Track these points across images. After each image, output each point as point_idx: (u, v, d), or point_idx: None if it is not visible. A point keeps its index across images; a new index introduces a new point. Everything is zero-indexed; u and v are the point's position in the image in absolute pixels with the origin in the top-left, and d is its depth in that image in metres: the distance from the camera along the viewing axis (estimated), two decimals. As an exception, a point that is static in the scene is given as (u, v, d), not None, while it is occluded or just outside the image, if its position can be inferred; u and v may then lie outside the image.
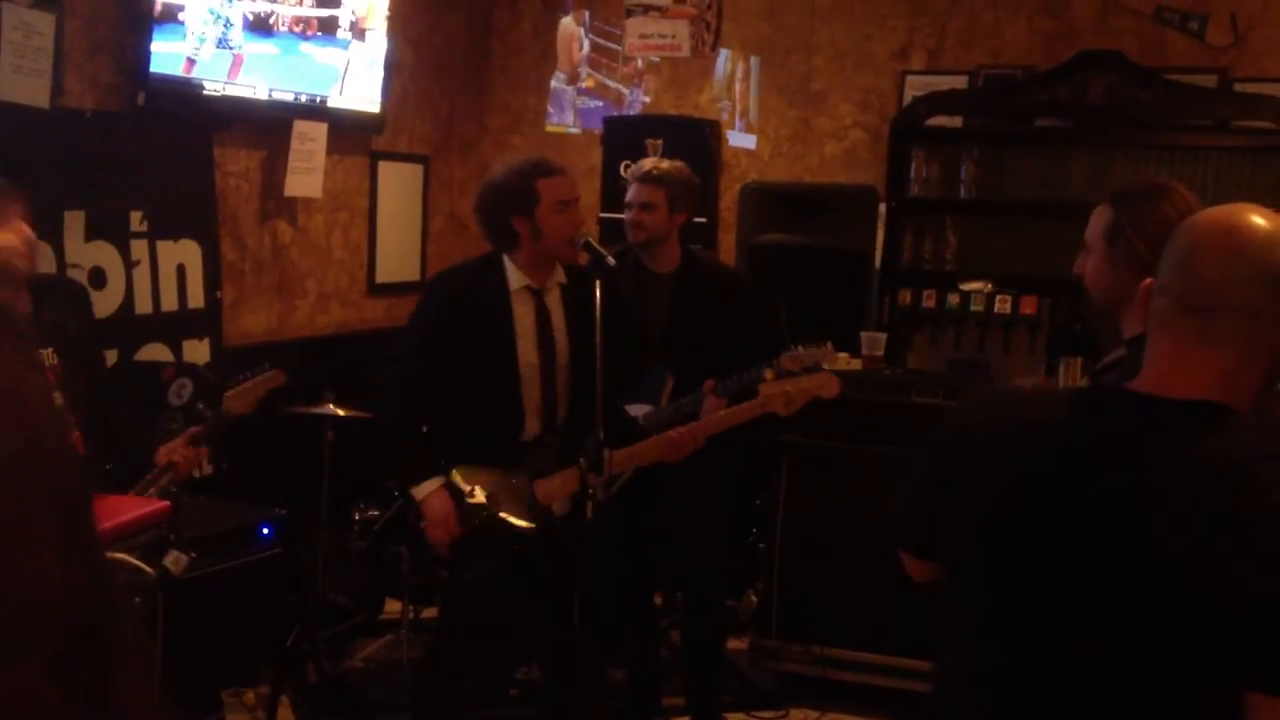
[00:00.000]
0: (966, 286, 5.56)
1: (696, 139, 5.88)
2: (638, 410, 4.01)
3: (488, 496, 3.56)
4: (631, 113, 6.22)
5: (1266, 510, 1.51)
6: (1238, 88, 5.38)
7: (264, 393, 3.71)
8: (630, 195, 4.23)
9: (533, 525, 3.57)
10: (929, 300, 5.62)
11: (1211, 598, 1.51)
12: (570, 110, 6.35)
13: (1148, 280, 1.71)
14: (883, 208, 5.64)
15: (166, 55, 4.41)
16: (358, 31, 5.38)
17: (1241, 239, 1.62)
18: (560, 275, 3.64)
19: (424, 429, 3.71)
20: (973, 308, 5.55)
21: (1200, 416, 1.62)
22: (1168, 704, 1.58)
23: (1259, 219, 1.63)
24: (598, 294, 3.31)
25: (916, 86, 5.82)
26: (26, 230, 3.34)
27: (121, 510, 2.97)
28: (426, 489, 3.53)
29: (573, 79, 6.33)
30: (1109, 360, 2.70)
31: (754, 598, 5.24)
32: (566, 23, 6.29)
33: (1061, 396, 1.96)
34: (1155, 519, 1.56)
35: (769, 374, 3.76)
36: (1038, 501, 1.68)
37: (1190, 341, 1.64)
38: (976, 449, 1.80)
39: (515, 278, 3.59)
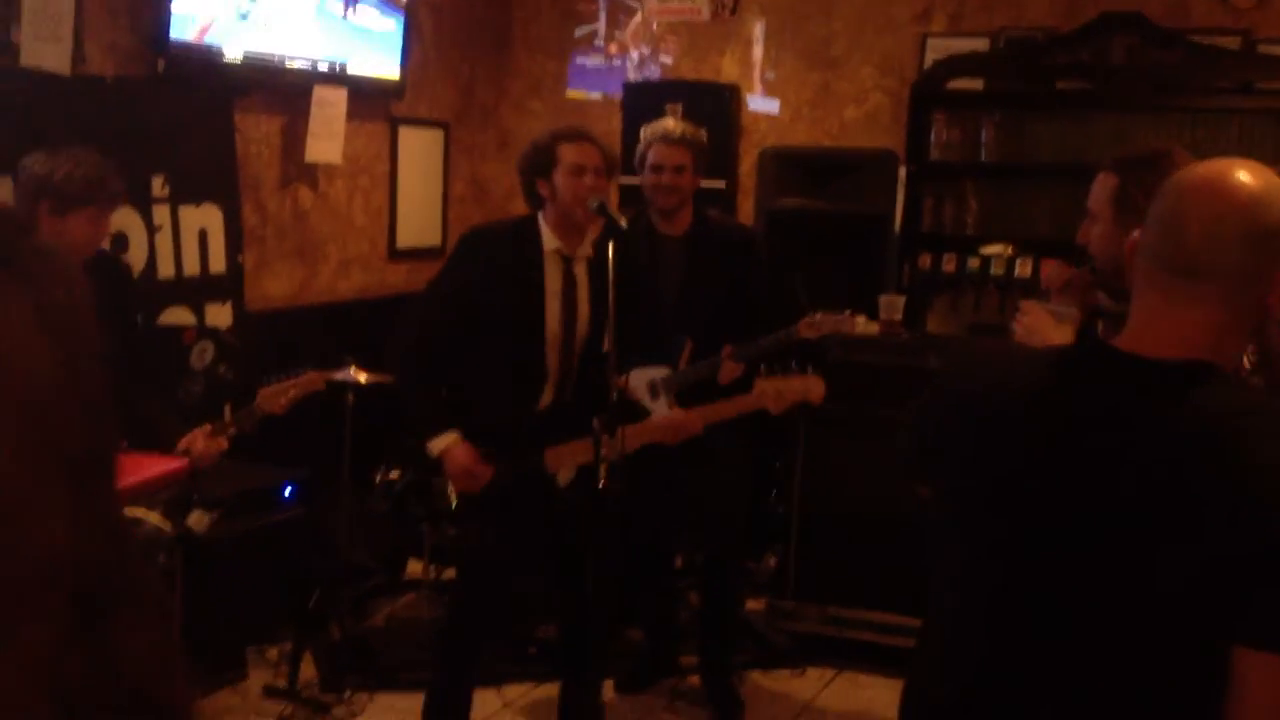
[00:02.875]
0: (987, 250, 5.55)
1: (716, 103, 5.88)
2: (654, 372, 4.04)
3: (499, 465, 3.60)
4: (651, 78, 6.22)
5: (1248, 466, 1.52)
6: (1261, 49, 5.33)
7: (300, 395, 3.73)
8: (659, 158, 4.19)
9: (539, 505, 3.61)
10: (949, 264, 5.61)
11: (1194, 554, 1.52)
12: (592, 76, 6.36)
13: (1134, 236, 1.72)
14: (903, 171, 5.63)
15: (186, 20, 4.45)
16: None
17: (1226, 200, 1.62)
18: (589, 248, 3.67)
19: (442, 387, 3.74)
20: (993, 272, 5.53)
21: (1184, 375, 1.62)
22: (1153, 660, 1.59)
23: (1245, 177, 1.62)
24: (610, 257, 3.33)
25: (937, 49, 5.79)
26: (107, 227, 3.43)
27: (141, 468, 3.03)
28: (444, 442, 3.57)
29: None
30: None
31: (772, 559, 5.27)
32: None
33: (1047, 355, 1.97)
34: (1139, 477, 1.57)
35: (763, 372, 3.77)
36: (1024, 462, 1.69)
37: (1175, 301, 1.64)
38: (961, 414, 1.82)
39: (549, 239, 3.63)
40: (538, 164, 3.60)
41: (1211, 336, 1.63)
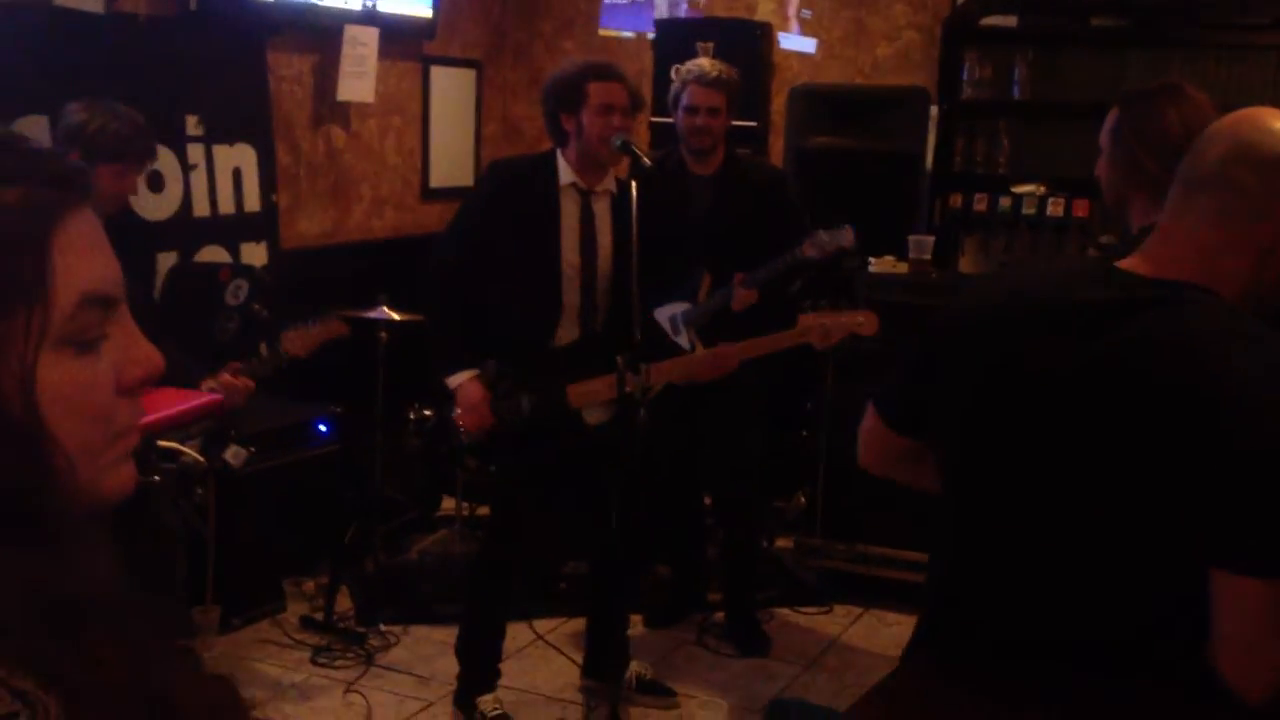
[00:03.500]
0: (1018, 190, 5.51)
1: (748, 41, 5.85)
2: (675, 309, 4.05)
3: (520, 398, 3.64)
4: (680, 15, 6.18)
5: (1227, 386, 1.55)
6: (1301, -16, 5.24)
7: (323, 339, 3.77)
8: (694, 99, 4.18)
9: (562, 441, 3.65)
10: (980, 204, 5.57)
11: (1170, 471, 1.56)
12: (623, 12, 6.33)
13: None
14: (934, 110, 5.59)
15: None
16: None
17: (1250, 128, 1.67)
18: (611, 184, 3.68)
19: (463, 323, 3.76)
20: (1024, 211, 5.49)
21: (1174, 293, 1.66)
22: (1131, 575, 1.64)
23: (1277, 120, 1.67)
24: (633, 194, 3.34)
25: (971, -14, 5.72)
26: (134, 185, 3.46)
27: (173, 401, 3.08)
28: (460, 378, 3.63)
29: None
30: None
31: (801, 498, 5.31)
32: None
33: (1054, 271, 2.02)
34: (1121, 391, 1.61)
35: (806, 309, 3.75)
36: (1012, 372, 1.74)
37: (1180, 216, 1.70)
38: (961, 324, 1.88)
39: (565, 173, 3.63)
40: (564, 99, 3.58)
41: (1208, 256, 1.68)
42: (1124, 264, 1.75)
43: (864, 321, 3.75)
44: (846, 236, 4.03)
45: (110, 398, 0.81)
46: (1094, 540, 1.66)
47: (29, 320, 0.76)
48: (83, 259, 0.79)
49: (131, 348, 0.82)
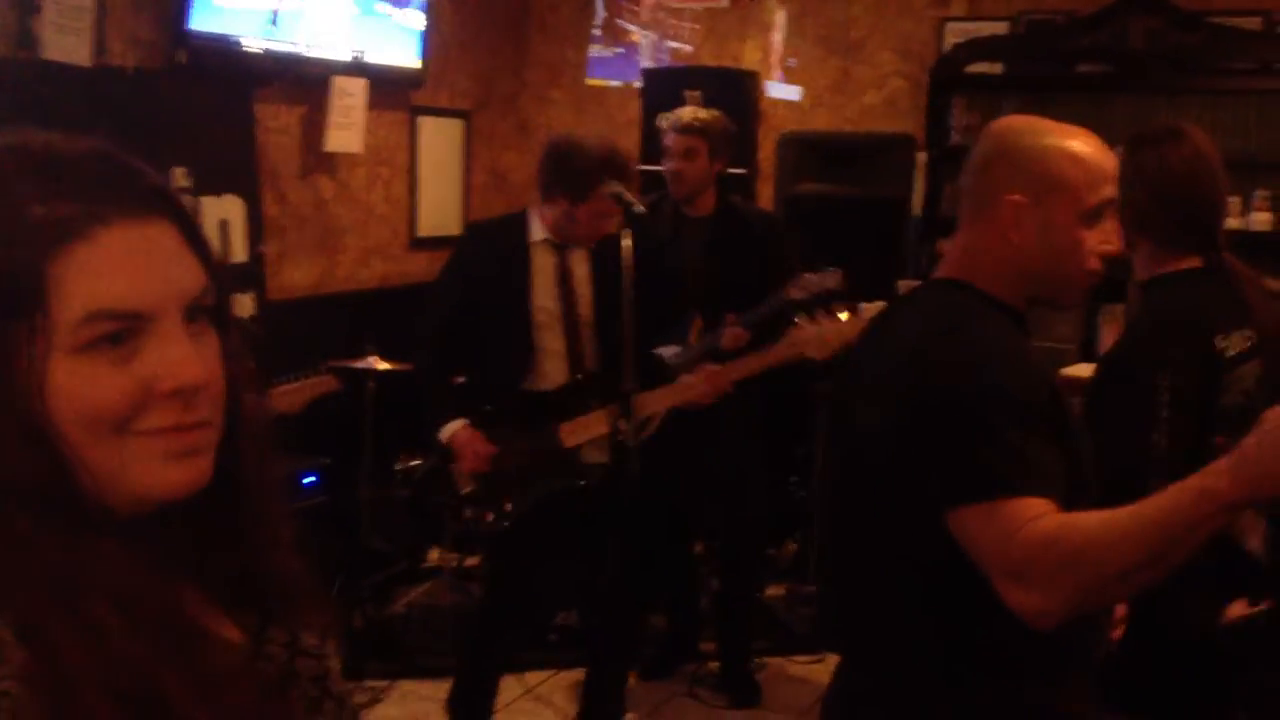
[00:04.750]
0: (1006, 235, 5.52)
1: (735, 90, 5.87)
2: (666, 352, 4.04)
3: (514, 451, 3.62)
4: (663, 63, 6.22)
5: (936, 383, 1.76)
6: (1282, 29, 5.29)
7: (312, 396, 3.77)
8: (670, 144, 4.23)
9: (560, 483, 3.63)
10: (969, 249, 5.59)
11: (897, 449, 1.77)
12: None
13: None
14: (922, 156, 5.61)
15: (206, 11, 4.47)
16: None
17: (990, 133, 1.93)
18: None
19: (452, 377, 3.78)
20: (1013, 256, 5.51)
21: (920, 291, 2.00)
22: (899, 553, 1.82)
23: (1022, 119, 1.94)
24: (626, 244, 3.34)
25: (956, 33, 5.77)
26: None
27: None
28: (452, 428, 3.61)
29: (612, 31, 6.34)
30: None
31: (792, 545, 5.28)
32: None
33: None
34: (861, 392, 1.90)
35: (799, 318, 3.73)
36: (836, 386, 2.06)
37: (959, 223, 1.96)
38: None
39: (537, 230, 3.64)
40: (574, 184, 3.50)
41: (961, 256, 1.93)
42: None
43: (860, 327, 3.72)
44: (832, 278, 4.03)
45: (126, 400, 0.86)
46: (872, 527, 1.85)
47: (31, 328, 0.84)
48: (98, 276, 0.85)
49: (167, 359, 0.87)
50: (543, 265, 3.64)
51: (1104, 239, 1.88)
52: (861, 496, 1.86)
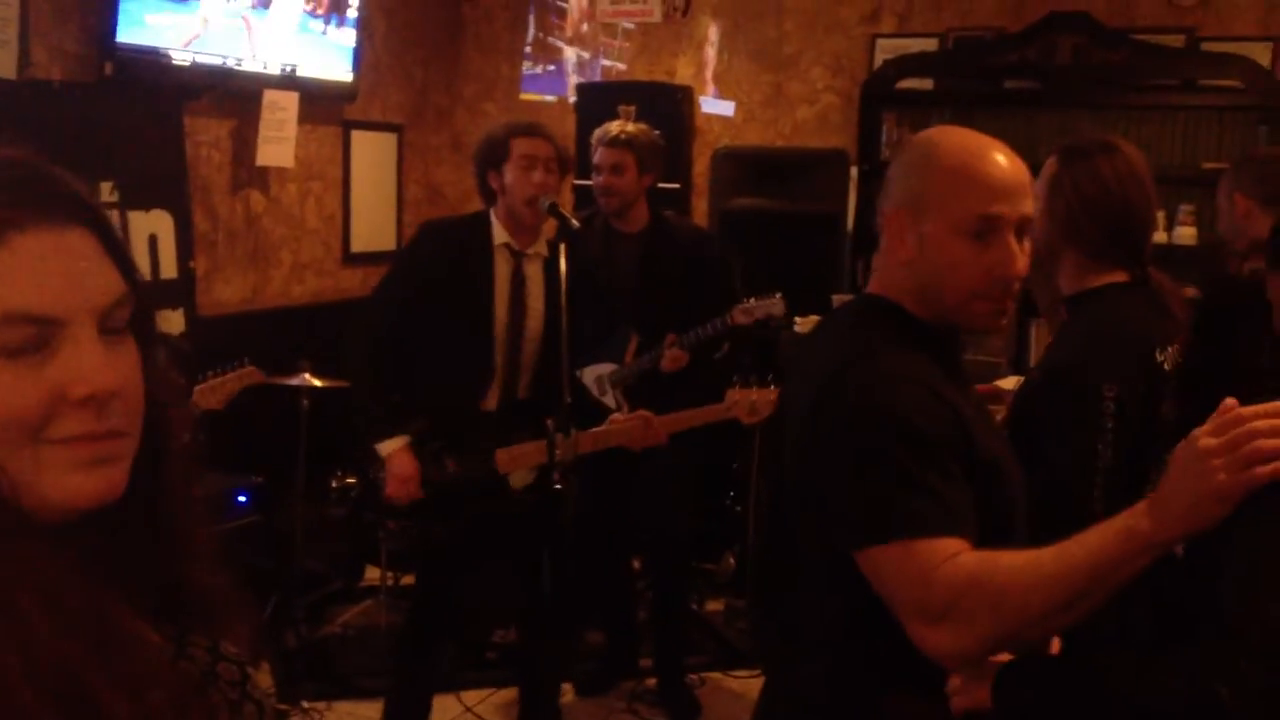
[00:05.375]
0: (938, 248, 5.58)
1: (669, 105, 5.89)
2: (602, 369, 4.03)
3: (447, 461, 3.60)
4: (595, 79, 6.23)
5: (843, 418, 1.71)
6: (1205, 47, 5.40)
7: (237, 389, 3.72)
8: (598, 159, 4.23)
9: (488, 507, 3.61)
10: (901, 263, 5.64)
11: (809, 483, 1.73)
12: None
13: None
14: (854, 171, 5.66)
15: (133, 24, 4.40)
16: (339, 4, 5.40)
17: (901, 145, 1.88)
18: (543, 247, 3.67)
19: (393, 386, 3.71)
20: (945, 269, 5.56)
21: (841, 308, 2.00)
22: (818, 577, 1.78)
23: (936, 131, 1.88)
24: (562, 259, 3.33)
25: (887, 50, 5.83)
26: None
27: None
28: (391, 446, 3.57)
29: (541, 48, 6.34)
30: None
31: (731, 560, 5.29)
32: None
33: None
34: (788, 414, 1.88)
35: (736, 384, 3.77)
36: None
37: None
38: None
39: (499, 234, 3.63)
40: (490, 156, 3.61)
41: (879, 271, 1.88)
42: None
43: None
44: (777, 305, 4.07)
45: (38, 406, 0.86)
46: (792, 545, 1.82)
47: None
48: (11, 281, 0.85)
49: (79, 365, 0.87)
50: (501, 274, 3.62)
51: (998, 259, 1.75)
52: (786, 516, 1.82)
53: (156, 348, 0.97)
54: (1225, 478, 1.42)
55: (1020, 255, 1.76)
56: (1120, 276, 2.49)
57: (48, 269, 0.87)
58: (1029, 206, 1.78)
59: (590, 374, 4.07)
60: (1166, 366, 2.40)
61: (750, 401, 3.72)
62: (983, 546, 1.62)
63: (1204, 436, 1.46)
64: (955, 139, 1.81)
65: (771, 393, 3.71)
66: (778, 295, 4.07)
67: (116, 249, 0.92)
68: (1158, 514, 1.48)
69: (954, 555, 1.58)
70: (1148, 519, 1.49)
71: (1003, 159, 1.77)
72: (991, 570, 1.56)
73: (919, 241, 1.77)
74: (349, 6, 5.51)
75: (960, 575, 1.56)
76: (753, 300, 4.07)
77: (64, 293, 0.87)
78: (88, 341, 0.88)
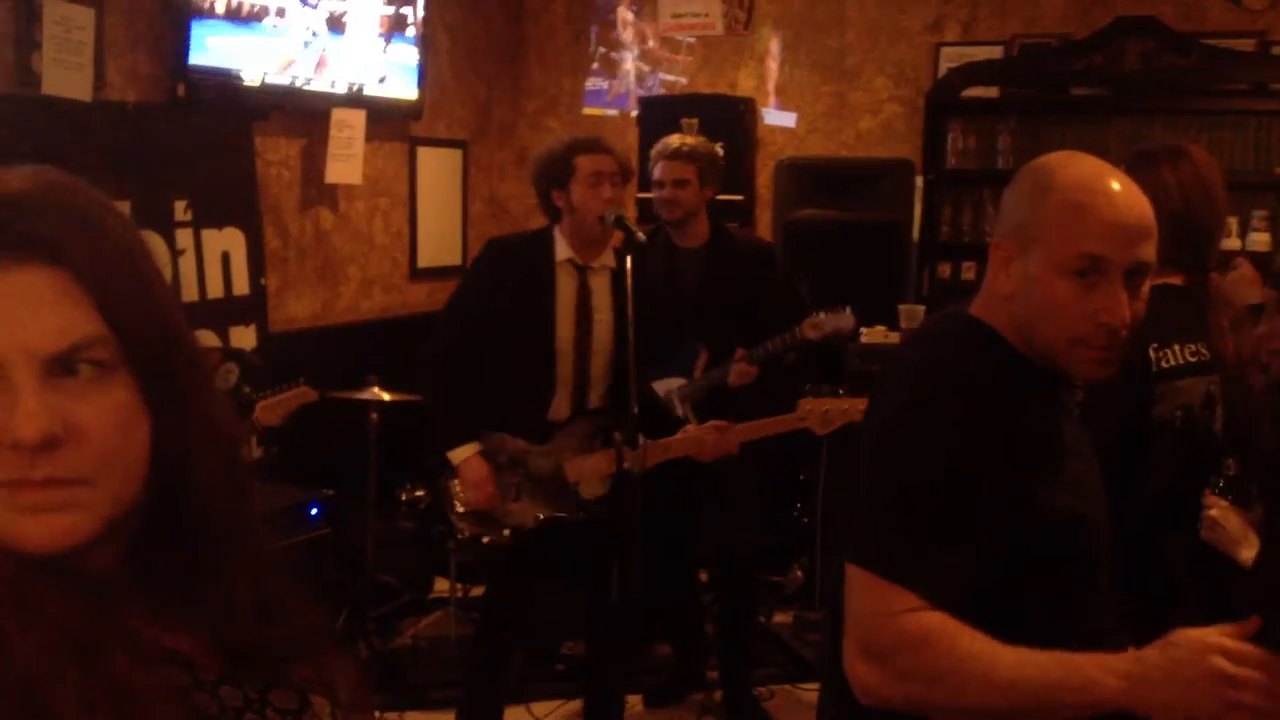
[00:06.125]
0: (1005, 257, 5.54)
1: (731, 117, 5.90)
2: (671, 384, 4.04)
3: (518, 472, 3.63)
4: (658, 93, 6.25)
5: (880, 415, 1.74)
6: (1275, 50, 5.33)
7: (295, 407, 3.82)
8: (660, 173, 4.23)
9: (558, 514, 3.63)
10: (968, 272, 5.61)
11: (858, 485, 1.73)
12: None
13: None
14: (920, 180, 5.63)
15: (205, 46, 4.48)
16: (400, 22, 5.48)
17: (1026, 170, 1.77)
18: (610, 259, 3.68)
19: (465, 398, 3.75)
20: (1012, 279, 5.52)
21: (932, 326, 1.93)
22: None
23: (1057, 157, 1.75)
24: (629, 269, 3.35)
25: (951, 58, 5.80)
26: None
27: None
28: (463, 453, 3.60)
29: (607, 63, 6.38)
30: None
31: (799, 572, 5.27)
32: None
33: None
34: (866, 428, 1.83)
35: (809, 393, 3.75)
36: None
37: None
38: None
39: (562, 249, 3.64)
40: (554, 174, 3.61)
41: (986, 290, 1.77)
42: None
43: (862, 401, 3.74)
44: (846, 320, 4.05)
45: None
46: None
47: None
48: None
49: (15, 410, 0.84)
50: (565, 288, 3.64)
51: (1102, 304, 1.63)
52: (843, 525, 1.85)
53: (179, 381, 0.92)
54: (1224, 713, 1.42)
55: (1125, 303, 1.63)
56: (1175, 279, 2.49)
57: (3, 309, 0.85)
58: (1146, 252, 1.65)
59: (660, 388, 4.07)
60: (1165, 364, 2.39)
61: (823, 411, 3.69)
62: (1062, 599, 1.62)
63: (1219, 656, 1.45)
64: (1074, 171, 1.69)
65: (844, 402, 3.69)
66: (847, 310, 4.05)
67: (103, 287, 0.88)
68: (1134, 688, 1.47)
69: (917, 609, 1.56)
70: (1121, 685, 1.48)
71: (1121, 198, 1.65)
72: (947, 645, 1.54)
73: (1023, 276, 1.68)
74: (413, 25, 5.58)
75: (914, 633, 1.56)
76: (822, 315, 4.06)
77: (1, 335, 0.85)
78: (22, 386, 0.85)
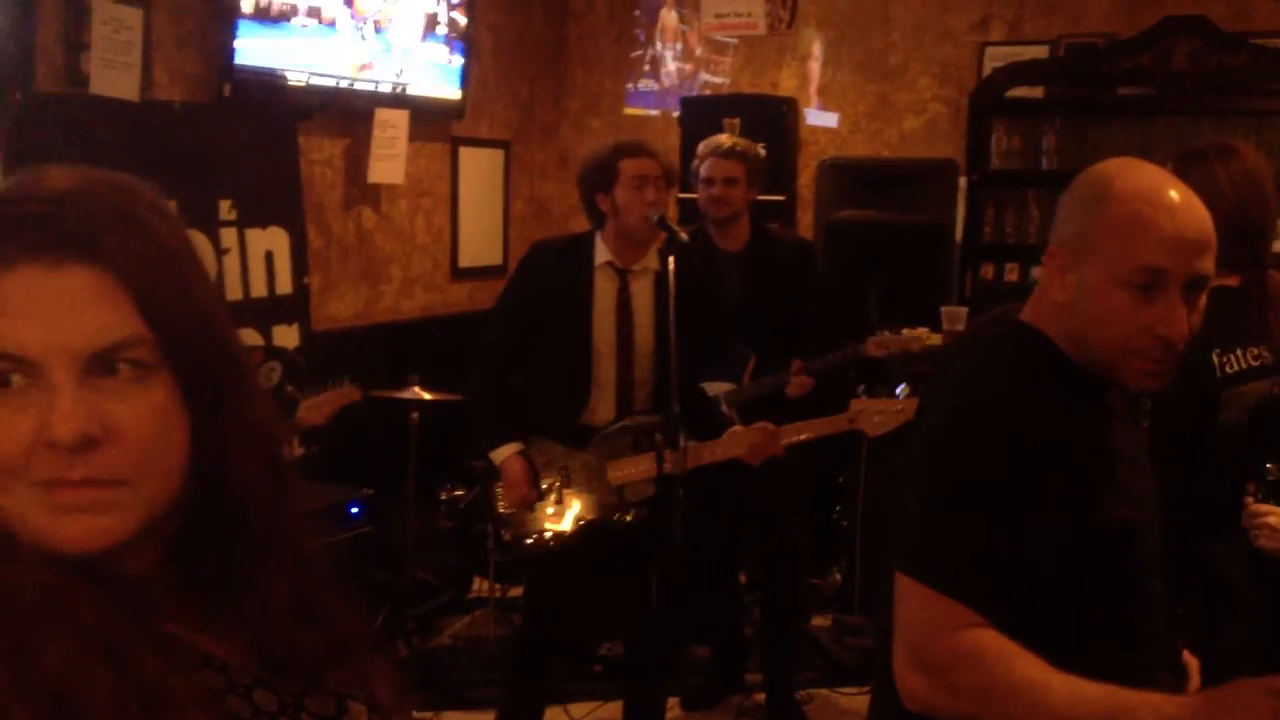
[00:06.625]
0: (1050, 259, 5.49)
1: (773, 117, 5.87)
2: (719, 388, 4.03)
3: (559, 474, 3.63)
4: (702, 93, 6.24)
5: (930, 421, 1.75)
6: (1328, 50, 5.25)
7: (339, 406, 3.83)
8: (709, 170, 4.22)
9: (600, 516, 3.63)
10: (1012, 274, 5.56)
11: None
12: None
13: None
14: (963, 181, 5.59)
15: (250, 46, 4.52)
16: (444, 23, 5.49)
17: (1083, 176, 1.75)
18: (653, 260, 3.67)
19: (509, 399, 3.76)
20: (1056, 281, 5.47)
21: (984, 332, 1.87)
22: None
23: (1116, 163, 1.72)
24: (671, 272, 3.34)
25: (996, 57, 5.76)
26: None
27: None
28: (504, 452, 3.62)
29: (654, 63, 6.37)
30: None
31: (838, 575, 5.24)
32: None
33: None
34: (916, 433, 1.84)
35: (861, 393, 3.73)
36: None
37: None
38: None
39: (601, 253, 3.64)
40: (598, 179, 3.61)
41: (1039, 297, 1.75)
42: None
43: (914, 402, 3.73)
44: (915, 341, 4.08)
45: (18, 447, 0.84)
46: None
47: None
48: None
49: (53, 410, 0.84)
50: (605, 291, 3.64)
51: (1160, 317, 1.61)
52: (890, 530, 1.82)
53: (220, 382, 0.92)
54: None
55: (1183, 317, 1.61)
56: (1231, 280, 2.45)
57: (25, 309, 0.85)
58: (1205, 264, 1.63)
59: (708, 391, 4.07)
60: (1229, 369, 2.36)
61: (875, 412, 3.67)
62: (1113, 606, 1.61)
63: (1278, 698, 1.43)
64: (1132, 179, 1.66)
65: (896, 403, 3.67)
66: (922, 330, 4.05)
67: (144, 287, 0.88)
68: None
69: (972, 625, 1.56)
70: (1184, 714, 1.47)
71: (1182, 210, 1.63)
72: (1002, 669, 1.54)
73: (1079, 285, 1.66)
74: (456, 26, 5.60)
75: (971, 650, 1.55)
76: (887, 333, 4.05)
77: (36, 333, 0.85)
78: (60, 386, 0.85)
